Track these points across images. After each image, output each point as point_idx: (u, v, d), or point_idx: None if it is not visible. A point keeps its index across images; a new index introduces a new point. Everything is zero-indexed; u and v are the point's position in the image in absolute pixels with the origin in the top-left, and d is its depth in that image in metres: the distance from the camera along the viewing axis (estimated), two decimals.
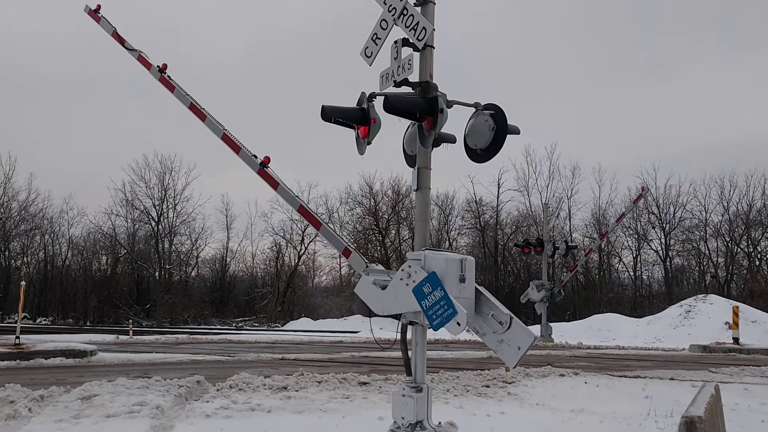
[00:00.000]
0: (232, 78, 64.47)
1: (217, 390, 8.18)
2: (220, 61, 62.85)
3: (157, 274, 45.78)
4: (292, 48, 64.47)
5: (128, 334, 22.40)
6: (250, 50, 64.02)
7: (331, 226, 5.94)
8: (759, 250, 43.17)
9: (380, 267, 5.27)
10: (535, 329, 25.58)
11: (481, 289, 4.80)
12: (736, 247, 43.23)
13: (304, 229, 46.95)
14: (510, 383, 9.62)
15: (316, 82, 58.80)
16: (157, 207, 45.92)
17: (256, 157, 6.77)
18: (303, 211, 6.54)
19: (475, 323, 4.80)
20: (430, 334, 4.85)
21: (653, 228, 44.73)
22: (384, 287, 4.80)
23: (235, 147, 7.02)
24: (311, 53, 64.23)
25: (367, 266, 5.32)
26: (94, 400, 7.04)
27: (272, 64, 63.89)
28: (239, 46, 64.82)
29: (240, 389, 8.25)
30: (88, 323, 41.81)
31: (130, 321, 33.18)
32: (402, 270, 4.57)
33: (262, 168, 6.66)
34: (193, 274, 49.32)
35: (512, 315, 4.67)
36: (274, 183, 6.59)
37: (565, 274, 25.56)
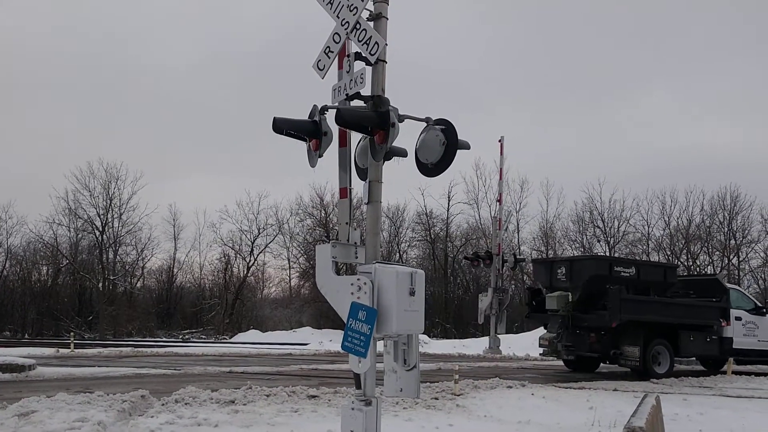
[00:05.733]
0: (182, 88, 63.51)
1: (162, 405, 8.01)
2: (171, 70, 61.79)
3: (100, 285, 44.47)
4: (244, 59, 64.00)
5: (69, 348, 21.70)
6: (201, 60, 63.24)
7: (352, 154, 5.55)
8: (698, 263, 44.69)
9: (356, 238, 5.18)
10: (484, 341, 25.86)
11: None
12: (676, 261, 44.65)
13: (254, 240, 46.42)
14: (459, 395, 9.69)
15: (267, 93, 58.44)
16: (102, 216, 44.65)
17: None
18: None
19: (389, 340, 4.83)
20: (380, 346, 4.87)
21: (598, 241, 45.76)
22: (337, 271, 4.81)
23: None
24: (264, 64, 63.89)
25: (348, 222, 5.25)
26: (32, 416, 6.81)
27: (223, 75, 63.31)
28: (190, 55, 63.94)
29: (186, 403, 8.10)
30: (26, 336, 40.32)
31: (72, 334, 32.12)
32: (359, 279, 4.57)
33: None
34: (138, 285, 48.06)
35: (418, 365, 4.77)
36: None
37: (509, 258, 25.34)
